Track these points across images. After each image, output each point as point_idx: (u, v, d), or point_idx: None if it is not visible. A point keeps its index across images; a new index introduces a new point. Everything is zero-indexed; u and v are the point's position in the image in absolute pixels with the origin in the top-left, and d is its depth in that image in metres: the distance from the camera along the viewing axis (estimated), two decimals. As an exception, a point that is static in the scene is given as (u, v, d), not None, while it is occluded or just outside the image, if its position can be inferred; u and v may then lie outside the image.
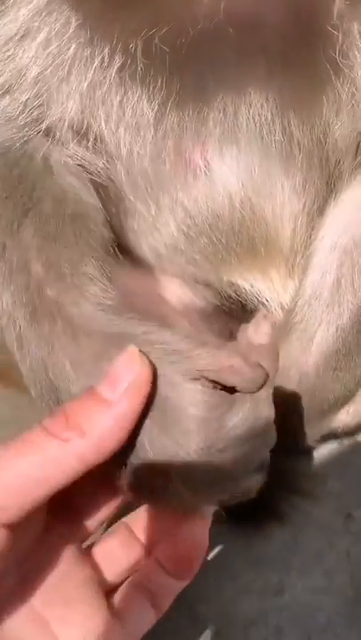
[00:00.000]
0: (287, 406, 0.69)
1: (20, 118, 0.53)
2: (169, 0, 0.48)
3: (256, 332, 0.74)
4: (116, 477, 0.47)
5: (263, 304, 0.72)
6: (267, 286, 0.69)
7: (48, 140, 0.55)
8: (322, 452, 0.80)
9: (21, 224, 0.52)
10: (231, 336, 0.77)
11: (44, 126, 0.53)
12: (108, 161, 0.56)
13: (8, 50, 0.50)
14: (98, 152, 0.56)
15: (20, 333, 0.50)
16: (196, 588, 0.75)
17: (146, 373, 0.44)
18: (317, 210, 0.63)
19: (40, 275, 0.50)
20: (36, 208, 0.52)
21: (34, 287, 0.49)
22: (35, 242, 0.51)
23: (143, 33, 0.48)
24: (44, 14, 0.49)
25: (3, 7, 0.49)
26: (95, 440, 0.42)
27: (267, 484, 0.75)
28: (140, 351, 0.45)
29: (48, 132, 0.55)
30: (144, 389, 0.44)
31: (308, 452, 0.79)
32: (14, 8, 0.49)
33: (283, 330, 0.66)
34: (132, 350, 0.45)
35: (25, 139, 0.54)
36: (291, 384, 0.65)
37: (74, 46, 0.50)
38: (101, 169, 0.56)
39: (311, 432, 0.68)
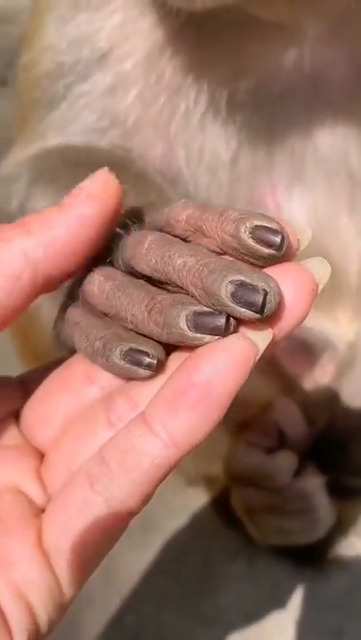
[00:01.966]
0: (353, 442, 0.72)
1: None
2: (256, 55, 0.54)
3: (322, 373, 0.77)
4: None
5: (329, 344, 0.75)
6: (333, 325, 0.72)
7: None
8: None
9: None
10: (295, 377, 0.81)
11: (131, 157, 0.58)
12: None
13: (107, 98, 0.57)
14: (174, 192, 0.59)
15: None
16: (259, 629, 0.77)
17: (114, 187, 0.36)
18: None
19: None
20: (129, 172, 0.54)
21: None
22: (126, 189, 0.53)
23: (230, 85, 0.55)
24: (142, 67, 0.56)
25: (104, 60, 0.56)
26: (41, 237, 0.35)
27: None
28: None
29: None
30: (110, 200, 0.36)
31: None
32: (115, 61, 0.56)
33: (346, 361, 0.69)
34: (104, 170, 0.38)
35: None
36: (352, 410, 0.68)
37: (164, 96, 0.56)
38: None
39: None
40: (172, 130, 0.57)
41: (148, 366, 0.33)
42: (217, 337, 0.31)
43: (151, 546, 0.83)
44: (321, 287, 0.33)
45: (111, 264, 0.38)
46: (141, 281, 0.35)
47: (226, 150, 0.58)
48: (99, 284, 0.36)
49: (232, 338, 0.31)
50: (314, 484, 0.74)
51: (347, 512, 0.80)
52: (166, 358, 0.34)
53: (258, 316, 0.31)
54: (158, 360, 0.34)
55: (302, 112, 0.58)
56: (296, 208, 0.63)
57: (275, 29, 0.52)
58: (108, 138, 0.58)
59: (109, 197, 0.36)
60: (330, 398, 0.72)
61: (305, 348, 0.76)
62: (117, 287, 0.35)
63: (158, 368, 0.34)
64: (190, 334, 0.32)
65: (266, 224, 0.32)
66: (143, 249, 0.35)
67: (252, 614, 0.79)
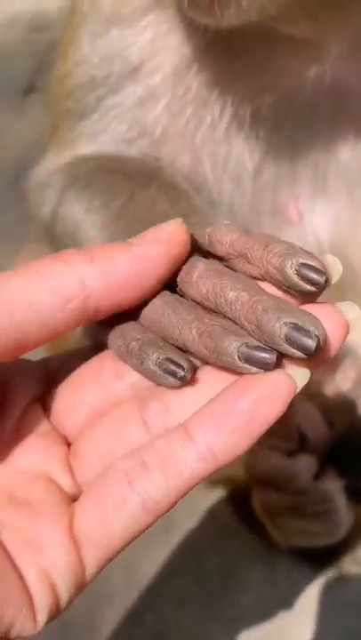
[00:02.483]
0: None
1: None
2: (280, 71, 0.55)
3: (343, 379, 0.78)
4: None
5: (350, 350, 0.76)
6: (354, 332, 0.73)
7: None
8: None
9: (148, 185, 0.56)
10: (316, 384, 0.82)
11: (160, 165, 0.60)
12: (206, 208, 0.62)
13: (137, 109, 0.59)
14: (200, 199, 0.61)
15: None
16: (278, 629, 0.78)
17: (183, 236, 0.37)
18: None
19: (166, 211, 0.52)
20: (160, 180, 0.57)
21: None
22: (160, 197, 0.55)
23: (254, 99, 0.57)
24: (170, 81, 0.58)
25: (135, 74, 0.58)
26: (102, 268, 0.35)
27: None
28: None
29: None
30: (177, 247, 0.37)
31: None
32: (145, 75, 0.58)
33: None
34: (178, 220, 0.38)
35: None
36: None
37: (191, 108, 0.58)
38: None
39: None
40: (198, 140, 0.59)
41: (181, 379, 0.36)
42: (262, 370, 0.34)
43: (172, 546, 0.84)
44: (352, 329, 0.36)
45: None
46: (190, 302, 0.37)
47: (250, 160, 0.60)
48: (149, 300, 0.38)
49: (276, 374, 0.34)
50: (334, 486, 0.75)
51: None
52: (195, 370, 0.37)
53: (305, 357, 0.33)
54: (190, 373, 0.36)
55: (325, 125, 0.59)
56: (318, 218, 0.65)
57: (299, 45, 0.54)
58: (137, 147, 0.60)
59: (177, 243, 0.37)
60: (350, 403, 0.74)
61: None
62: (167, 304, 0.37)
63: (189, 381, 0.36)
64: (240, 364, 0.34)
65: (311, 262, 0.34)
66: (193, 277, 0.37)
67: (272, 615, 0.79)
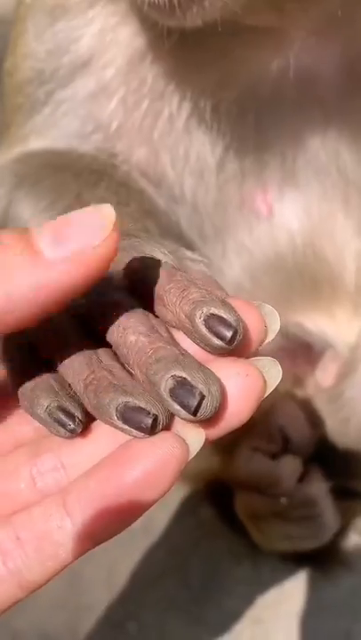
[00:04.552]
0: (354, 443, 0.70)
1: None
2: (242, 60, 0.53)
3: (324, 375, 0.76)
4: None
5: (329, 344, 0.73)
6: (332, 325, 0.71)
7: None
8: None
9: (96, 185, 0.55)
10: (296, 380, 0.79)
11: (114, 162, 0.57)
12: (168, 205, 0.59)
13: (89, 104, 0.56)
14: (159, 196, 0.59)
15: None
16: (266, 633, 0.76)
17: (113, 243, 0.30)
18: None
19: None
20: (111, 179, 0.55)
21: None
22: (108, 197, 0.53)
23: (214, 90, 0.54)
24: (123, 74, 0.55)
25: (85, 68, 0.55)
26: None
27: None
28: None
29: None
30: (100, 264, 0.30)
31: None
32: (97, 68, 0.55)
33: (348, 364, 0.67)
34: (109, 211, 0.30)
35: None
36: (356, 414, 0.66)
37: (147, 101, 0.55)
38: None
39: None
40: (156, 134, 0.56)
41: (71, 431, 0.33)
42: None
43: (153, 548, 0.82)
44: (270, 391, 0.31)
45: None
46: (88, 351, 0.34)
47: (212, 154, 0.57)
48: (50, 337, 0.35)
49: (168, 440, 0.31)
50: (319, 489, 0.72)
51: (351, 513, 0.79)
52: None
53: (192, 418, 0.30)
54: (82, 425, 0.33)
55: (291, 114, 0.56)
56: (289, 210, 0.62)
57: (260, 35, 0.51)
58: (92, 142, 0.57)
59: (105, 261, 0.30)
60: (332, 402, 0.70)
61: (306, 349, 0.74)
62: (67, 349, 0.34)
63: (81, 431, 0.33)
64: (119, 424, 0.31)
65: (222, 314, 0.31)
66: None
67: (258, 619, 0.78)
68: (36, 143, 0.59)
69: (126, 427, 0.31)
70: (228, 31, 0.46)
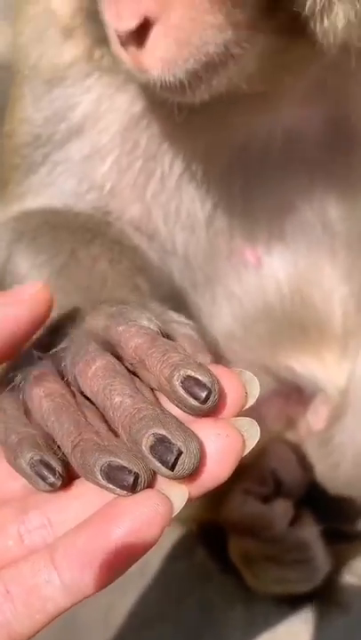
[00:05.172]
0: (344, 487, 0.71)
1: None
2: (232, 123, 0.55)
3: (315, 418, 0.77)
4: None
5: (320, 387, 0.74)
6: (321, 368, 0.72)
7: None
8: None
9: (91, 242, 0.58)
10: (289, 422, 0.80)
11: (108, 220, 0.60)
12: (161, 257, 0.62)
13: (84, 165, 0.58)
14: (152, 249, 0.62)
15: None
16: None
17: (45, 296, 0.39)
18: None
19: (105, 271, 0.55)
20: (105, 237, 0.58)
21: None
22: (102, 255, 0.56)
23: (205, 151, 0.57)
24: (118, 137, 0.57)
25: (80, 133, 0.58)
26: None
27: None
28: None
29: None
30: (39, 308, 0.38)
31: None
32: (92, 133, 0.57)
33: (338, 409, 0.69)
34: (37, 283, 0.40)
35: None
36: (345, 459, 0.68)
37: (140, 162, 0.58)
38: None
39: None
40: (149, 192, 0.59)
41: (51, 484, 0.35)
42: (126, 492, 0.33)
43: (149, 591, 0.82)
44: (248, 450, 0.34)
45: (58, 359, 0.39)
46: (74, 409, 0.36)
47: (201, 210, 0.60)
48: (39, 399, 0.37)
49: (152, 498, 0.33)
50: (310, 532, 0.73)
51: (343, 554, 0.79)
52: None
53: (170, 473, 0.32)
54: (62, 479, 0.35)
55: (278, 173, 0.58)
56: (276, 262, 0.64)
57: (252, 100, 0.53)
58: (87, 201, 0.59)
59: (39, 304, 0.38)
60: (322, 446, 0.72)
61: (298, 392, 0.76)
62: (53, 410, 0.36)
63: (61, 486, 0.35)
64: (103, 483, 0.33)
65: (198, 376, 0.33)
66: (90, 372, 0.36)
67: (253, 660, 0.78)
68: (33, 201, 0.61)
69: (110, 485, 0.33)
70: (223, 99, 0.48)
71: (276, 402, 0.76)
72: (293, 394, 0.76)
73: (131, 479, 0.32)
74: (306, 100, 0.55)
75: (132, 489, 0.32)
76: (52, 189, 0.60)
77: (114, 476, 0.33)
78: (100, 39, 0.51)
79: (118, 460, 0.33)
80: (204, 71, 0.44)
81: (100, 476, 0.33)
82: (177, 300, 0.64)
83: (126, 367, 0.37)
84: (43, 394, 0.37)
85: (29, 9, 0.58)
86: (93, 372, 0.36)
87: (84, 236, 0.57)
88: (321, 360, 0.72)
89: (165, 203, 0.59)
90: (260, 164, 0.58)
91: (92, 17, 0.51)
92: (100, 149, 0.58)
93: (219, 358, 0.71)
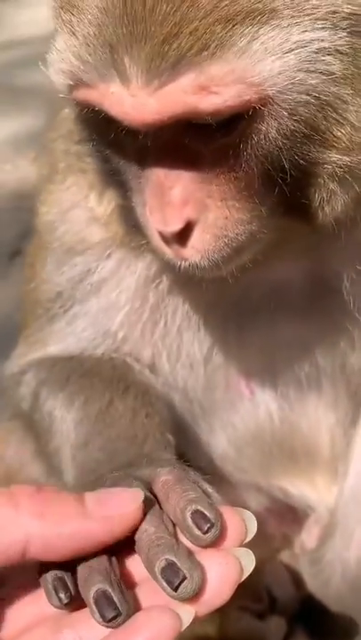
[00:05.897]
0: (335, 604, 0.75)
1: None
2: (226, 287, 0.62)
3: (308, 536, 0.82)
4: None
5: (312, 507, 0.80)
6: (312, 490, 0.78)
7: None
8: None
9: (126, 390, 0.65)
10: (285, 539, 0.84)
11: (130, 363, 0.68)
12: (165, 392, 0.70)
13: (100, 316, 0.67)
14: (158, 382, 0.69)
15: None
16: None
17: (135, 516, 0.43)
18: (350, 421, 0.74)
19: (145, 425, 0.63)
20: (136, 387, 0.66)
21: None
22: (136, 405, 0.65)
23: (202, 308, 0.66)
24: (131, 294, 0.66)
25: (98, 291, 0.67)
26: (50, 529, 0.40)
27: None
28: (145, 501, 0.44)
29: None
30: (124, 526, 0.42)
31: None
32: (108, 291, 0.66)
33: (328, 527, 0.75)
34: (138, 494, 0.43)
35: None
36: (335, 576, 0.73)
37: (147, 313, 0.66)
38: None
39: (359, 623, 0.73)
40: (155, 338, 0.67)
41: (59, 600, 0.41)
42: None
43: None
44: (246, 575, 0.42)
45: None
46: (106, 564, 0.43)
47: (199, 350, 0.68)
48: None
49: (165, 615, 0.40)
50: (304, 649, 0.76)
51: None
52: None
53: (174, 594, 0.39)
54: (70, 603, 0.42)
55: (268, 318, 0.67)
56: (268, 393, 0.71)
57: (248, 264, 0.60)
58: (102, 348, 0.68)
59: (129, 520, 0.43)
60: (314, 564, 0.76)
61: (292, 511, 0.81)
62: (92, 572, 0.43)
63: (70, 605, 0.42)
64: (92, 607, 0.40)
65: (205, 511, 0.41)
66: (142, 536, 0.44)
67: None
68: (55, 347, 0.69)
69: (96, 614, 0.40)
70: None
71: (272, 520, 0.81)
72: (288, 513, 0.81)
73: (112, 614, 0.39)
74: (292, 257, 0.63)
75: (108, 621, 0.39)
76: (71, 337, 0.68)
77: (101, 604, 0.40)
78: (130, 228, 0.59)
79: (108, 590, 0.40)
80: (234, 254, 0.53)
81: (91, 600, 0.40)
82: (177, 428, 0.72)
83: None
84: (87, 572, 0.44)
85: (54, 189, 0.67)
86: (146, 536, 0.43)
87: (119, 386, 0.66)
88: (311, 482, 0.78)
89: (169, 345, 0.67)
90: (252, 311, 0.66)
91: (124, 211, 0.59)
92: (115, 304, 0.66)
93: (215, 479, 0.78)
